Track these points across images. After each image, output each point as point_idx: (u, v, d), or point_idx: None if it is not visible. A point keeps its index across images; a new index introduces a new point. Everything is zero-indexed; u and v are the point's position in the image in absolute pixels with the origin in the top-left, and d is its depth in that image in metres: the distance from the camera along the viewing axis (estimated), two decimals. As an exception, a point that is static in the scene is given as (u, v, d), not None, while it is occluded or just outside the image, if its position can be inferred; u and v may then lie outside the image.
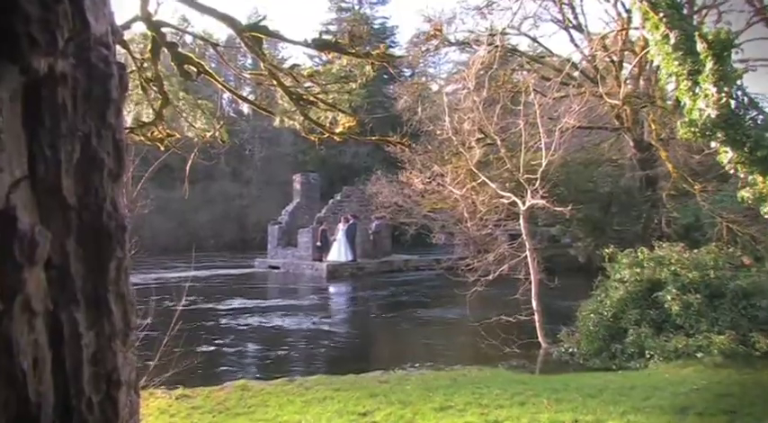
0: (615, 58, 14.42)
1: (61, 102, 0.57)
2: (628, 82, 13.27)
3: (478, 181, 9.95)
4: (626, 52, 14.60)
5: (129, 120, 4.62)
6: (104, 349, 0.61)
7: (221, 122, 5.59)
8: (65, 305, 0.57)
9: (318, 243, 19.49)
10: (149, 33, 4.09)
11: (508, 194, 8.92)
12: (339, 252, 19.11)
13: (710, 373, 5.80)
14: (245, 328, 9.93)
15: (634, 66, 13.96)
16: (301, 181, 23.77)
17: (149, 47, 4.14)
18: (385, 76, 23.88)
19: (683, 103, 5.70)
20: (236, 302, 12.53)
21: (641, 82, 14.46)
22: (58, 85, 0.57)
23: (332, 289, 16.33)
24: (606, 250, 7.83)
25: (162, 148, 4.99)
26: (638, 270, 7.24)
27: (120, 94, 0.65)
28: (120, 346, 0.64)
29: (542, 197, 7.95)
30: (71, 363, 0.57)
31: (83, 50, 0.61)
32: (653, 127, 13.75)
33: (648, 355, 6.54)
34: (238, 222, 38.12)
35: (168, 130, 4.95)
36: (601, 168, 17.66)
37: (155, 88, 4.44)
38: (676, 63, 5.52)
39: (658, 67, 6.61)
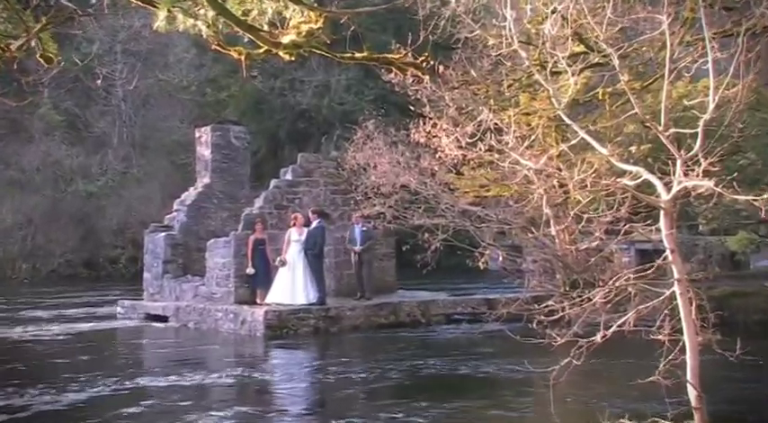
0: None
1: None
2: None
3: (573, 141, 9.90)
4: None
5: None
6: None
7: (42, 21, 5.58)
8: None
9: (250, 268, 19.56)
10: None
11: (635, 169, 8.84)
12: (290, 286, 19.18)
13: None
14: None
15: None
16: (213, 142, 23.97)
17: None
18: (380, -70, 23.85)
19: None
20: (69, 399, 12.36)
21: None
22: None
23: (275, 361, 16.28)
24: None
25: None
26: None
27: None
28: None
29: (706, 174, 7.88)
30: None
31: None
32: None
33: None
34: (83, 227, 38.17)
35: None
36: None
37: None
38: None
39: None
